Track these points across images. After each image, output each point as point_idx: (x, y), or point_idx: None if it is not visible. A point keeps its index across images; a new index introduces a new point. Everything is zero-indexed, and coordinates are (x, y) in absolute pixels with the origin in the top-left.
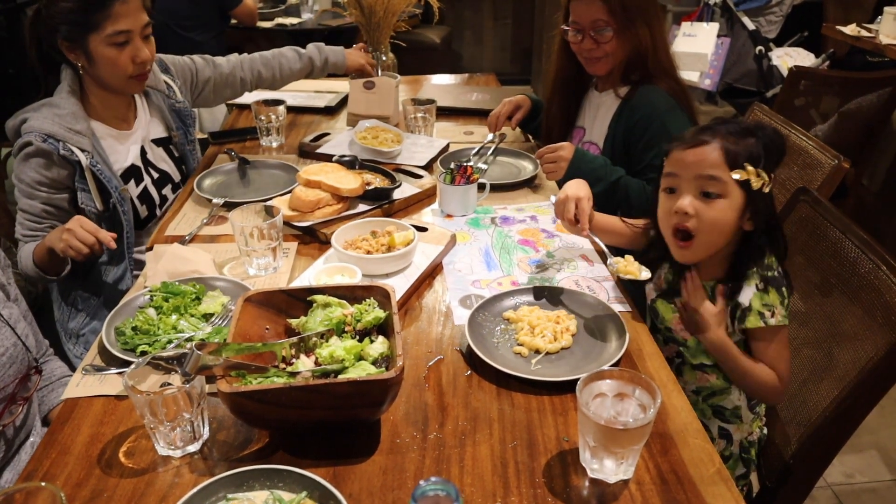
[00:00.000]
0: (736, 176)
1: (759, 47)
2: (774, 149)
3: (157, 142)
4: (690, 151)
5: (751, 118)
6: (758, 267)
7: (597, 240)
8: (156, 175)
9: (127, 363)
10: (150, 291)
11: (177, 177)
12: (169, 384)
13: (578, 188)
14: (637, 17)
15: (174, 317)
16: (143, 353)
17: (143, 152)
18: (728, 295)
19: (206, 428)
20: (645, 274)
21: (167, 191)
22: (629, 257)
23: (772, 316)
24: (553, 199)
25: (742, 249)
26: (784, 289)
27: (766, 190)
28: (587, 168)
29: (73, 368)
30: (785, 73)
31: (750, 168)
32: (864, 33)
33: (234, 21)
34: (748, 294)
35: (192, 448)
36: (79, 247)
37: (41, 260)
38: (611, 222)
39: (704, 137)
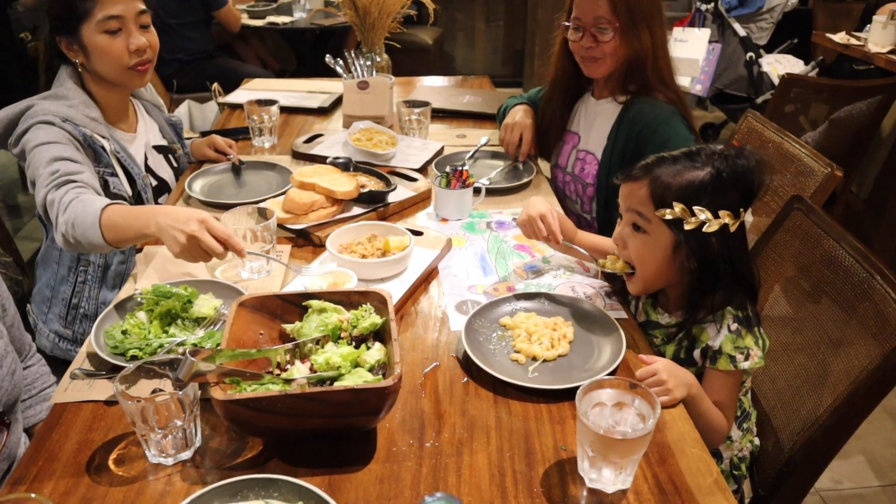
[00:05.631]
0: (662, 214)
1: (750, 53)
2: (734, 184)
3: (158, 149)
4: (625, 185)
5: (743, 125)
6: (731, 306)
7: (577, 248)
8: (155, 183)
9: (117, 368)
10: (141, 294)
11: (174, 187)
12: (160, 390)
13: (540, 204)
14: (641, 19)
15: (166, 320)
16: (134, 358)
17: (144, 158)
18: (685, 331)
19: (199, 435)
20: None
21: (163, 200)
22: (612, 255)
23: (745, 359)
24: (513, 219)
25: (696, 288)
26: (757, 329)
27: (710, 229)
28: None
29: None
30: (775, 79)
31: (679, 207)
32: (853, 41)
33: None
34: (720, 336)
35: (184, 456)
36: (214, 247)
37: (118, 232)
38: (593, 241)
39: (637, 173)
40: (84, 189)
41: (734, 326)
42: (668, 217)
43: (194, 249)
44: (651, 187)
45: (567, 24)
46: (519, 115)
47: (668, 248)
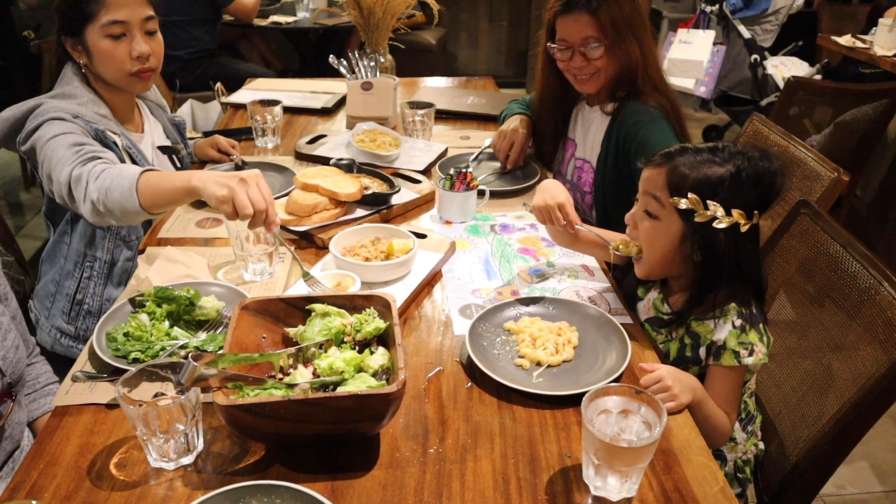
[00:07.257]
0: (675, 203)
1: (755, 56)
2: (753, 184)
3: (162, 149)
4: (646, 170)
5: (749, 128)
6: (735, 302)
7: (591, 229)
8: None
9: (118, 370)
10: (143, 297)
11: None
12: (162, 393)
13: (559, 192)
14: (627, 32)
15: (167, 323)
16: (136, 361)
17: (150, 159)
18: (684, 324)
19: (201, 439)
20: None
21: None
22: (625, 239)
23: (749, 354)
24: (527, 206)
25: (697, 281)
26: (761, 325)
27: (720, 225)
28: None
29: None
30: (779, 82)
31: (693, 197)
32: (859, 44)
33: (228, 18)
34: (724, 331)
35: (186, 460)
36: (244, 206)
37: (156, 193)
38: (592, 237)
39: (658, 159)
40: (111, 165)
41: (738, 322)
42: (682, 206)
43: (238, 198)
44: (669, 175)
45: (552, 45)
46: (514, 124)
47: (676, 237)
